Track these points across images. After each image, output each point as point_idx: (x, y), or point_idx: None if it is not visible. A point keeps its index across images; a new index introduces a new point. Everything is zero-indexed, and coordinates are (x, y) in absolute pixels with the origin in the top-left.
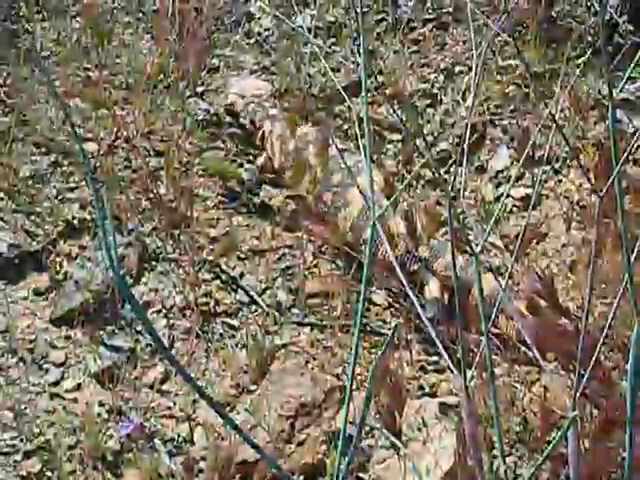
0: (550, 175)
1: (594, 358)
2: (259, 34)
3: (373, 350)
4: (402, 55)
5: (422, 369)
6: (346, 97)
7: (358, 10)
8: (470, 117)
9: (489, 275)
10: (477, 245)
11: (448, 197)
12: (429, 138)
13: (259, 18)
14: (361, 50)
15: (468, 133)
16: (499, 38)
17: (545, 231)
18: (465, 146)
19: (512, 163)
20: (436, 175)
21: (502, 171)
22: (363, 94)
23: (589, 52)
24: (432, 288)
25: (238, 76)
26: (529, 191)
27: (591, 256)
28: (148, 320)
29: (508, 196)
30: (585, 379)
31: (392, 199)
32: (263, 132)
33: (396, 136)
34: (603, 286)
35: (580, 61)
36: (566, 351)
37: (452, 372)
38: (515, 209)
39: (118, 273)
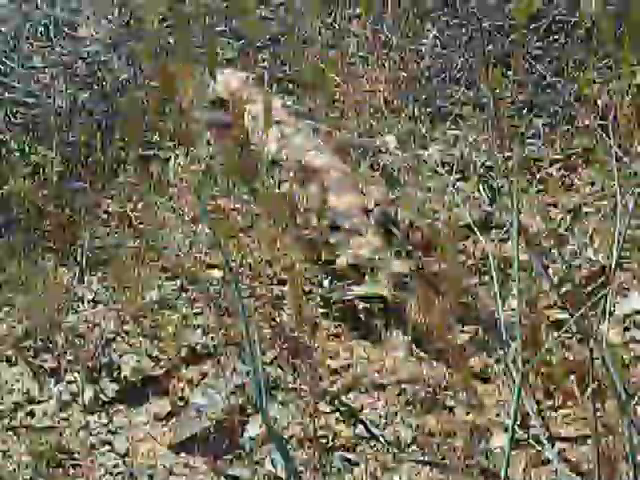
0: None
1: None
2: (385, 167)
3: None
4: (528, 194)
5: None
6: (477, 232)
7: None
8: (614, 268)
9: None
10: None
11: (590, 345)
12: (554, 279)
13: (385, 152)
14: (514, 223)
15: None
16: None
17: None
18: (609, 294)
19: None
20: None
21: (630, 315)
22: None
23: None
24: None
25: None
26: None
27: None
28: (282, 441)
29: (638, 341)
30: None
31: (538, 356)
32: None
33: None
34: None
35: None
36: None
37: None
38: None
39: (263, 395)
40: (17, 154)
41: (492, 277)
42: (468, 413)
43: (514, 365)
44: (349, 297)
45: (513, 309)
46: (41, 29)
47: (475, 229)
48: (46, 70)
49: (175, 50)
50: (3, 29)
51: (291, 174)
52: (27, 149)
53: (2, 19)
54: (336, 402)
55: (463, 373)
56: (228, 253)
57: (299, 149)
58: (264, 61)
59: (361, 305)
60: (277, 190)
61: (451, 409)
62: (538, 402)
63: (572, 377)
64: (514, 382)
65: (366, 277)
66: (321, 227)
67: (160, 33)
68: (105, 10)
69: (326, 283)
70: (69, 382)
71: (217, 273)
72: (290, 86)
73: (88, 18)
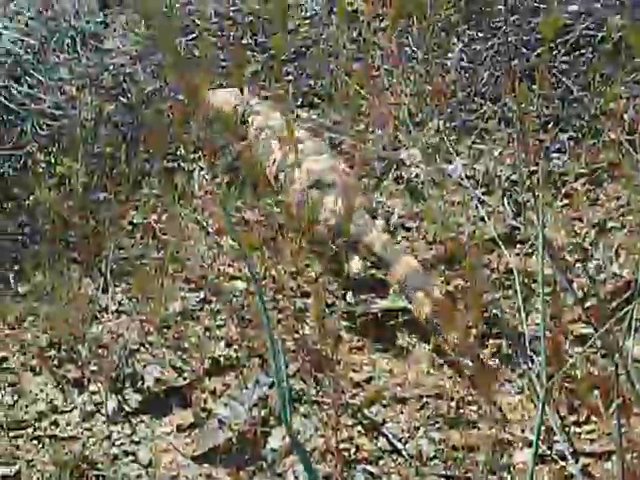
0: None
1: None
2: (409, 181)
3: None
4: (553, 208)
5: None
6: (502, 247)
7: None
8: None
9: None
10: None
11: (615, 360)
12: (579, 293)
13: (409, 165)
14: (539, 237)
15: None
16: None
17: None
18: (634, 310)
19: None
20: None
21: None
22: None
23: None
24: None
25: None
26: None
27: None
28: (306, 453)
29: None
30: None
31: (560, 372)
32: None
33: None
34: None
35: None
36: None
37: None
38: None
39: (287, 407)
40: (43, 165)
41: (516, 291)
42: (491, 427)
43: (538, 380)
44: (373, 310)
45: (537, 324)
46: (68, 41)
47: (500, 243)
48: (72, 82)
49: (199, 63)
50: (30, 41)
51: (298, 181)
52: (53, 160)
53: (29, 31)
54: (359, 415)
55: (486, 387)
56: (253, 265)
57: (305, 155)
58: (289, 74)
59: (384, 318)
60: (285, 197)
61: (474, 423)
62: (562, 417)
63: (596, 392)
64: (538, 397)
65: (390, 290)
66: (333, 236)
67: (185, 46)
68: (131, 23)
69: (349, 296)
70: (93, 392)
71: (240, 285)
72: (315, 99)
73: (115, 30)
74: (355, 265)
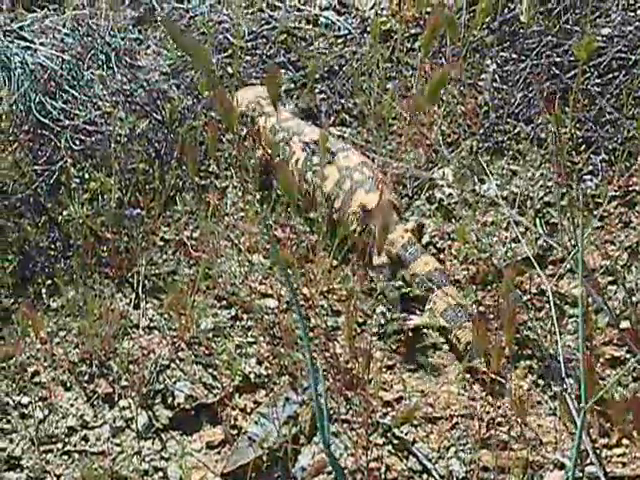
0: None
1: None
2: (441, 201)
3: None
4: (586, 230)
5: None
6: (537, 267)
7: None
8: None
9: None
10: None
11: None
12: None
13: (442, 185)
14: (579, 259)
15: None
16: None
17: None
18: None
19: None
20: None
21: None
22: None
23: None
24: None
25: None
26: None
27: None
28: (342, 471)
29: None
30: None
31: (600, 393)
32: None
33: (577, 311)
34: None
35: None
36: None
37: None
38: None
39: (325, 425)
40: (76, 181)
41: (548, 313)
42: (523, 449)
43: (572, 402)
44: (408, 327)
45: (569, 345)
46: (102, 58)
47: (534, 264)
48: (106, 98)
49: (232, 80)
50: (65, 57)
51: (330, 178)
52: (86, 176)
53: (64, 47)
54: (389, 434)
55: (518, 408)
56: (292, 282)
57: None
58: (322, 93)
59: (416, 337)
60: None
61: (505, 444)
62: (593, 440)
63: (629, 415)
64: (569, 419)
65: (425, 307)
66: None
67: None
68: (165, 40)
69: (381, 314)
70: (123, 408)
71: (271, 302)
72: (348, 117)
73: (148, 47)
74: (379, 261)
